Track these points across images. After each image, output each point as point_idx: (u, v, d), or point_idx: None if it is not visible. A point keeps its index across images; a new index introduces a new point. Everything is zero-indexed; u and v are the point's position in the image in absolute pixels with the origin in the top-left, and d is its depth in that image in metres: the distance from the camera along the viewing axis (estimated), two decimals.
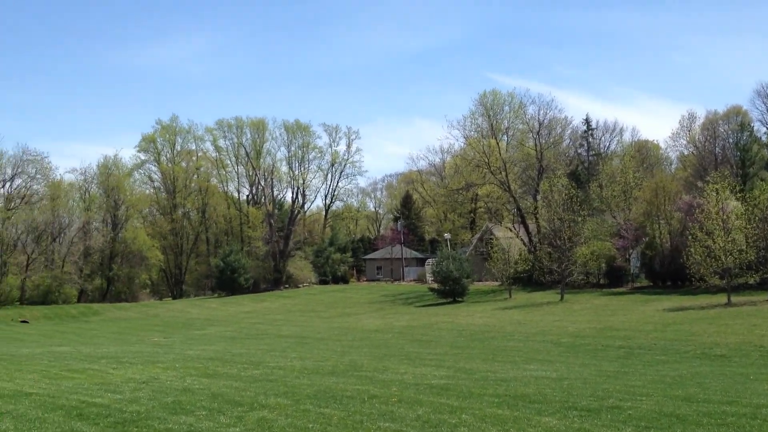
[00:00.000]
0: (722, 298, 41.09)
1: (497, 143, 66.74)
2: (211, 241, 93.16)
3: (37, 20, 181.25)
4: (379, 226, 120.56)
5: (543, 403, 11.81)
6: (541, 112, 66.15)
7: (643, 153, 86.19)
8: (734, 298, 40.61)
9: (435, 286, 57.76)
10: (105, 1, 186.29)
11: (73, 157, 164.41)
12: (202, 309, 64.67)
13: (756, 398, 12.79)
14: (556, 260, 52.06)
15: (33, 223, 72.15)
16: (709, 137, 79.12)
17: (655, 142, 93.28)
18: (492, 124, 67.44)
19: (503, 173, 63.20)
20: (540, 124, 66.38)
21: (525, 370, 19.38)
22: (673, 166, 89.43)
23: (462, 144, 72.93)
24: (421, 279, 74.72)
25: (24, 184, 74.73)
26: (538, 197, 61.77)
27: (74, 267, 73.75)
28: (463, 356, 24.48)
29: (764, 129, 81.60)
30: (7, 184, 74.08)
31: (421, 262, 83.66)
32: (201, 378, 16.00)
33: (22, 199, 73.94)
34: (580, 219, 52.85)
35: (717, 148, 78.23)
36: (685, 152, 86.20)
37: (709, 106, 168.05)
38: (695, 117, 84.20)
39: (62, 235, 75.21)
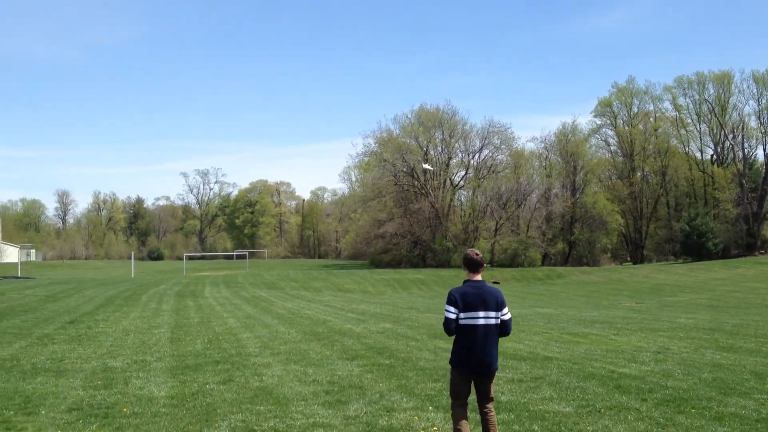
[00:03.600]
0: None
1: None
2: (672, 204, 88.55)
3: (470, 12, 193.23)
4: None
5: None
6: None
7: None
8: None
9: None
10: None
11: (533, 128, 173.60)
12: (669, 274, 61.61)
13: None
14: None
15: (499, 190, 76.42)
16: None
17: None
18: None
19: None
20: None
21: None
22: None
23: None
24: None
25: (490, 154, 79.69)
26: None
27: (537, 231, 76.35)
28: None
29: None
30: (476, 155, 79.86)
31: None
32: (720, 352, 14.27)
33: (489, 168, 78.89)
34: None
35: None
36: None
37: None
38: None
39: (525, 201, 78.32)
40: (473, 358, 6.52)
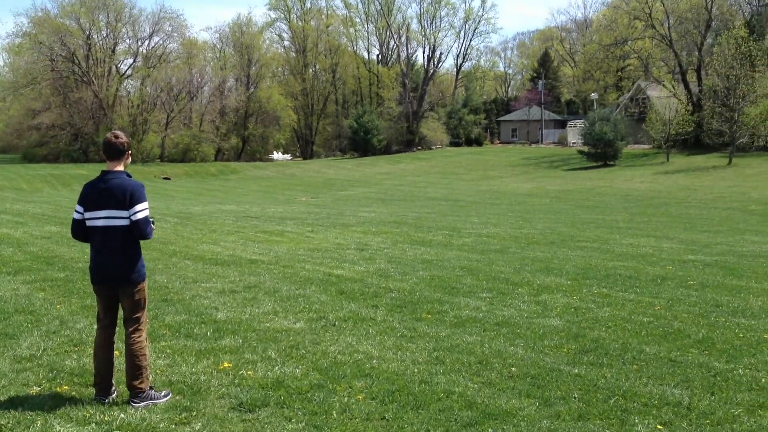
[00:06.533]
0: None
1: None
2: (340, 101, 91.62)
3: None
4: (508, 87, 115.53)
5: None
6: None
7: None
8: None
9: (585, 149, 54.30)
10: None
11: (207, 18, 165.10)
12: (338, 170, 64.00)
13: None
14: (727, 120, 47.61)
15: (170, 81, 72.21)
16: None
17: None
18: None
19: (665, 26, 57.28)
20: None
21: (747, 241, 16.63)
22: None
23: None
24: (561, 142, 71.10)
25: (161, 42, 74.66)
26: (705, 52, 55.85)
27: (211, 126, 74.08)
28: (656, 225, 21.73)
29: None
30: (146, 42, 74.24)
31: (559, 124, 79.53)
32: (417, 246, 14.30)
33: (160, 57, 74.00)
34: (758, 75, 47.55)
35: None
36: None
37: None
38: None
39: (198, 93, 75.27)
40: (95, 267, 5.37)
